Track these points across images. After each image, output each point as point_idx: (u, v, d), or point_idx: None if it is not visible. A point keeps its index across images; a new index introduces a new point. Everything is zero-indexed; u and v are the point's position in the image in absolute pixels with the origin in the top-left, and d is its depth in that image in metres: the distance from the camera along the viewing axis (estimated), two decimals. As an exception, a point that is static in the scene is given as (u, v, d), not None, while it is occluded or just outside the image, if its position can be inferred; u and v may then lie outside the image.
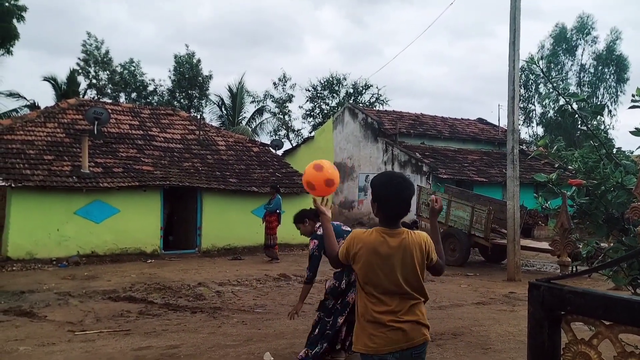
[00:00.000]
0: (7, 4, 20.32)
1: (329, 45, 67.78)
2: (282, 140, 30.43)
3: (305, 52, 66.61)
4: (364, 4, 67.01)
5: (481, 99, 62.89)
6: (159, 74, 76.79)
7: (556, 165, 3.24)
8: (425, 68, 67.77)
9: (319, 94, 36.82)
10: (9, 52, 21.81)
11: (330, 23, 69.64)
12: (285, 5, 65.90)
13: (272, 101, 36.58)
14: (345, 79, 36.78)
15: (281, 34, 64.75)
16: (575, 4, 56.13)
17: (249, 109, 35.39)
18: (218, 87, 72.84)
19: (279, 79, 36.58)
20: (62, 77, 29.85)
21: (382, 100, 36.85)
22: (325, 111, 36.42)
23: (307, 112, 37.15)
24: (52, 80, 29.34)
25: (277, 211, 13.46)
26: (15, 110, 26.33)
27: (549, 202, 3.29)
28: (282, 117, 36.69)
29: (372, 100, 36.82)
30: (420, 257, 2.71)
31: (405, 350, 2.63)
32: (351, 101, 32.94)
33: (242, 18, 61.59)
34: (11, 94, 27.05)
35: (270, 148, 19.43)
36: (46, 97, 59.12)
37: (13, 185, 11.85)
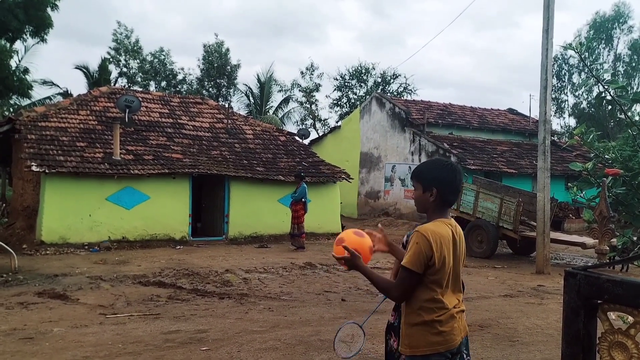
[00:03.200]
0: (42, -7, 20.67)
1: (352, 36, 67.51)
2: (309, 129, 30.47)
3: (329, 42, 66.49)
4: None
5: (508, 89, 61.94)
6: (186, 64, 77.45)
7: (592, 155, 3.15)
8: (449, 58, 66.89)
9: (346, 83, 36.69)
10: (43, 40, 22.22)
11: (353, 13, 69.24)
12: (308, -5, 65.75)
13: (299, 90, 36.63)
14: (374, 69, 36.57)
15: (305, 25, 64.71)
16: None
17: (276, 98, 35.55)
18: (244, 77, 73.23)
19: (307, 68, 36.60)
20: (93, 65, 30.47)
21: (410, 90, 36.56)
22: (353, 100, 36.29)
23: (334, 102, 37.08)
24: (84, 68, 29.92)
25: (303, 200, 13.46)
26: (49, 97, 26.98)
27: (583, 193, 3.22)
28: (309, 106, 36.70)
29: (400, 90, 36.54)
30: (464, 247, 2.66)
31: (463, 339, 2.59)
32: (379, 91, 32.72)
33: (266, 8, 61.71)
34: (45, 82, 27.71)
35: (297, 137, 19.47)
36: (78, 85, 60.29)
37: (47, 171, 12.12)
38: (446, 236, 2.49)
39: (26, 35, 21.99)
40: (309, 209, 13.76)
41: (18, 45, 23.11)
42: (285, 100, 35.68)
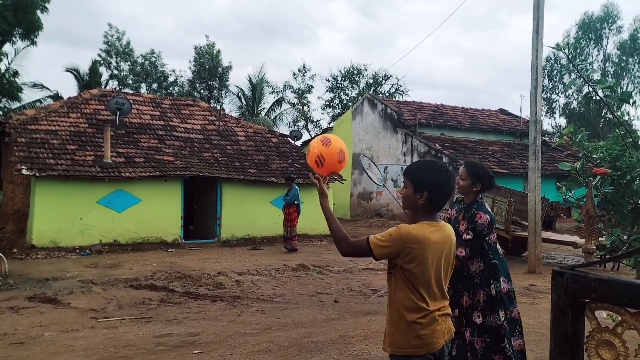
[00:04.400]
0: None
1: (342, 38, 67.57)
2: (301, 131, 30.49)
3: (320, 44, 66.49)
4: (374, -4, 66.70)
5: (497, 90, 62.21)
6: (177, 67, 77.26)
7: (580, 155, 3.17)
8: (439, 60, 67.07)
9: (338, 84, 36.71)
10: (33, 43, 22.09)
11: (343, 15, 69.33)
12: (296, -3, 65.80)
13: (291, 92, 36.60)
14: (365, 70, 36.63)
15: (295, 26, 64.63)
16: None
17: (269, 100, 35.50)
18: (235, 79, 73.07)
19: (299, 70, 36.57)
20: (84, 68, 30.29)
21: (402, 91, 36.64)
22: (345, 102, 36.31)
23: (327, 103, 37.09)
24: (74, 71, 29.73)
25: (296, 202, 13.41)
26: (39, 100, 26.77)
27: (572, 192, 3.24)
28: (301, 107, 36.68)
29: (391, 91, 36.61)
30: (453, 252, 2.63)
31: (447, 342, 2.58)
32: (371, 92, 32.77)
33: (256, 10, 61.68)
34: (35, 85, 27.51)
35: (289, 139, 19.46)
36: (69, 88, 60.13)
37: (37, 174, 12.05)
38: (427, 239, 2.46)
39: (16, 37, 21.85)
40: (301, 210, 13.72)
41: (7, 48, 22.97)
42: (278, 102, 35.63)
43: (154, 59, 34.28)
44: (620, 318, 1.41)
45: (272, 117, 34.20)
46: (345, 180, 17.87)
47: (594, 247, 4.19)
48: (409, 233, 2.44)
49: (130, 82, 33.55)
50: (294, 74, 36.69)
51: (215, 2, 66.29)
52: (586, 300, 1.45)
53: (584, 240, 4.51)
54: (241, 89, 34.47)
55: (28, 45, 22.69)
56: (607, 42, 36.55)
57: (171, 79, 34.90)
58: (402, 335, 2.49)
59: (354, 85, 36.86)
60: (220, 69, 34.54)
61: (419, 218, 2.55)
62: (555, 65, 37.13)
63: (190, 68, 34.75)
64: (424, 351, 2.47)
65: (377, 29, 64.86)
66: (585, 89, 2.95)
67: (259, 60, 70.61)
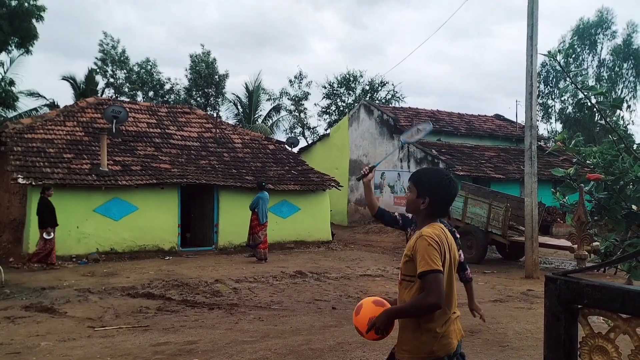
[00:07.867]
0: (26, 4, 20.59)
1: (332, 47, 67.73)
2: (298, 137, 30.51)
3: (310, 53, 66.52)
4: (362, 6, 67.11)
5: (489, 97, 62.38)
6: (172, 75, 77.35)
7: (574, 160, 3.21)
8: (429, 67, 67.32)
9: (335, 91, 36.79)
10: (28, 51, 22.09)
11: (332, 25, 69.57)
12: (286, 8, 66.11)
13: (287, 99, 36.65)
14: (361, 76, 36.73)
15: (285, 36, 64.83)
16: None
17: (265, 107, 35.54)
18: (232, 87, 73.19)
19: (295, 77, 36.64)
20: (80, 76, 30.26)
21: (398, 97, 36.73)
22: (341, 108, 36.37)
23: (323, 110, 37.15)
24: (71, 79, 29.72)
25: (256, 209, 12.86)
26: (35, 109, 26.72)
27: (566, 198, 3.25)
28: (298, 114, 36.73)
29: (388, 98, 36.70)
30: (456, 254, 2.73)
31: (459, 341, 2.67)
32: (367, 98, 32.85)
33: (247, 21, 61.98)
34: (31, 94, 27.47)
35: (286, 146, 19.47)
36: (65, 97, 60.04)
37: (33, 183, 12.03)
38: (443, 238, 2.54)
39: (11, 46, 21.85)
40: (266, 219, 13.08)
41: (3, 56, 22.99)
42: (275, 109, 35.68)
43: (149, 67, 34.29)
44: (613, 324, 1.42)
45: (269, 124, 34.23)
46: (342, 186, 17.88)
47: (586, 253, 4.23)
48: (437, 234, 2.50)
49: (126, 90, 33.53)
50: (291, 81, 36.78)
51: (207, 12, 66.74)
52: (579, 306, 1.47)
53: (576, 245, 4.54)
54: (238, 97, 34.53)
55: (23, 54, 22.70)
56: (602, 48, 36.74)
57: (167, 86, 34.93)
58: (421, 341, 2.51)
59: (350, 92, 36.95)
60: (216, 76, 34.57)
61: (424, 222, 2.62)
62: (551, 70, 37.27)
63: (187, 76, 34.78)
64: (442, 353, 2.52)
65: (366, 37, 65.21)
66: (580, 94, 2.98)
67: (252, 69, 70.80)
